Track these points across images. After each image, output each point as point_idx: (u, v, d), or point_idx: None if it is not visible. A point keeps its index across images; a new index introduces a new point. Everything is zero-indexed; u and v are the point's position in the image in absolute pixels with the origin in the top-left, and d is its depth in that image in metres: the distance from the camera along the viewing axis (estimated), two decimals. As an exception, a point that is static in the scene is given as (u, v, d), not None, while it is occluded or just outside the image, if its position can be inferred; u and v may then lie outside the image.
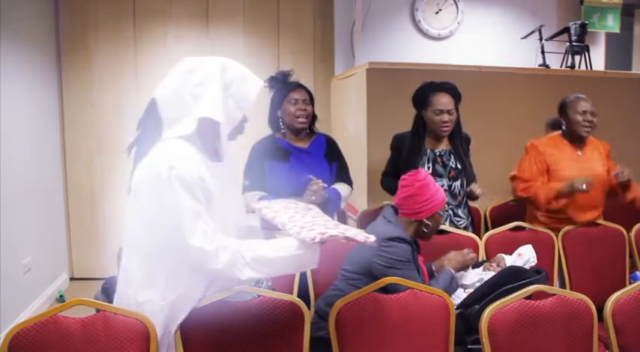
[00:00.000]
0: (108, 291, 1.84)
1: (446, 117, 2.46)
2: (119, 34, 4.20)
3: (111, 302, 1.71)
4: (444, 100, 2.47)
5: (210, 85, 1.49)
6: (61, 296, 3.84)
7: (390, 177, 2.62)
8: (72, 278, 4.26)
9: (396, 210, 2.02)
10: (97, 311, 1.54)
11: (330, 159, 2.55)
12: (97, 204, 4.26)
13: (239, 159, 2.30)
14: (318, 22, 4.53)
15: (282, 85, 2.50)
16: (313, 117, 2.56)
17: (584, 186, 2.40)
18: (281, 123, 2.51)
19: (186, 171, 1.43)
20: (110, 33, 4.18)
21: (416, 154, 2.51)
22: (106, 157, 4.22)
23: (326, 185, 2.34)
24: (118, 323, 1.51)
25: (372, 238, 1.51)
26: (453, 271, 2.00)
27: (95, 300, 1.63)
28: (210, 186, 1.48)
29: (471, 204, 2.65)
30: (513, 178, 2.68)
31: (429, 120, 2.51)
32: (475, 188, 2.53)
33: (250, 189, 2.41)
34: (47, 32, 3.98)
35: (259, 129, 2.45)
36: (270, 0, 4.43)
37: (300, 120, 2.47)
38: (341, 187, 2.51)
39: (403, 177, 2.00)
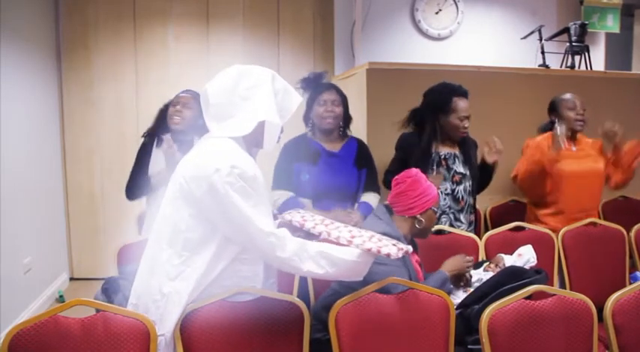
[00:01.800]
0: (108, 291, 1.84)
1: (467, 123, 2.48)
2: (119, 34, 4.20)
3: (111, 302, 1.71)
4: (465, 106, 2.47)
5: (262, 89, 1.59)
6: (61, 296, 3.85)
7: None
8: (72, 278, 4.26)
9: (389, 209, 1.99)
10: (97, 311, 1.54)
11: (360, 165, 2.53)
12: (97, 204, 4.27)
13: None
14: (318, 22, 4.53)
15: (315, 86, 2.52)
16: (346, 120, 2.57)
17: (562, 143, 2.49)
18: (311, 124, 2.56)
19: (247, 169, 1.53)
20: (110, 33, 4.19)
21: (427, 157, 2.50)
22: (106, 157, 4.23)
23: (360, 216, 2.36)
24: (117, 323, 1.51)
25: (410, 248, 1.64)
26: (447, 273, 1.97)
27: (95, 300, 1.64)
28: (262, 186, 1.57)
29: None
30: (515, 178, 2.69)
31: (449, 125, 2.48)
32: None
33: (277, 187, 2.45)
34: (47, 32, 3.98)
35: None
36: (270, 0, 4.44)
37: (328, 121, 2.48)
38: (371, 198, 2.51)
39: (396, 176, 1.99)
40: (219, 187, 1.48)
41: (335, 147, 2.53)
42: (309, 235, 1.66)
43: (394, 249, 1.54)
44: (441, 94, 2.50)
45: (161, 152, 2.41)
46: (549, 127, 2.72)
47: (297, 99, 1.68)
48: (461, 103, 2.46)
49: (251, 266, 1.64)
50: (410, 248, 1.62)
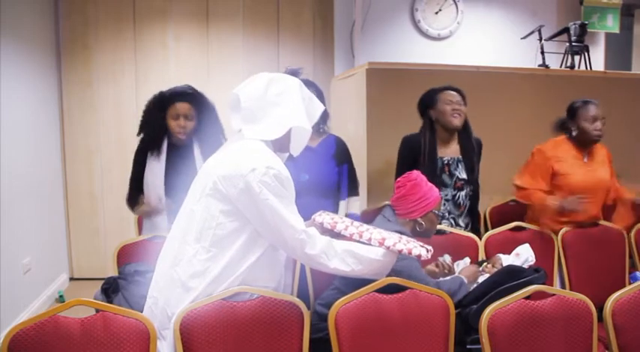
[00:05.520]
0: (107, 291, 1.84)
1: (456, 105, 2.48)
2: (119, 34, 4.20)
3: (111, 302, 1.72)
4: (452, 93, 2.50)
5: (292, 96, 1.66)
6: (61, 296, 3.85)
7: None
8: (72, 279, 4.26)
9: (394, 209, 2.01)
10: (97, 311, 1.54)
11: (340, 161, 2.54)
12: (96, 204, 4.27)
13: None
14: (318, 22, 4.53)
15: None
16: (323, 116, 2.54)
17: (577, 206, 2.46)
18: None
19: (281, 170, 1.59)
20: (110, 33, 4.19)
21: (434, 161, 2.49)
22: (105, 157, 4.23)
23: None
24: (117, 323, 1.51)
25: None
26: (464, 278, 1.99)
27: (95, 300, 1.64)
28: (292, 187, 1.63)
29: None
30: (515, 183, 2.67)
31: (439, 114, 2.50)
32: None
33: None
34: (47, 32, 3.98)
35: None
36: (270, 0, 4.44)
37: None
38: (356, 207, 2.56)
39: (397, 179, 2.02)
40: (254, 186, 1.54)
41: (312, 142, 2.51)
42: (336, 236, 1.70)
43: (424, 250, 1.62)
44: (426, 92, 2.57)
45: (156, 161, 2.40)
46: (564, 127, 2.64)
47: (320, 107, 1.75)
48: (446, 93, 2.50)
49: (279, 268, 1.71)
50: (431, 248, 1.68)
